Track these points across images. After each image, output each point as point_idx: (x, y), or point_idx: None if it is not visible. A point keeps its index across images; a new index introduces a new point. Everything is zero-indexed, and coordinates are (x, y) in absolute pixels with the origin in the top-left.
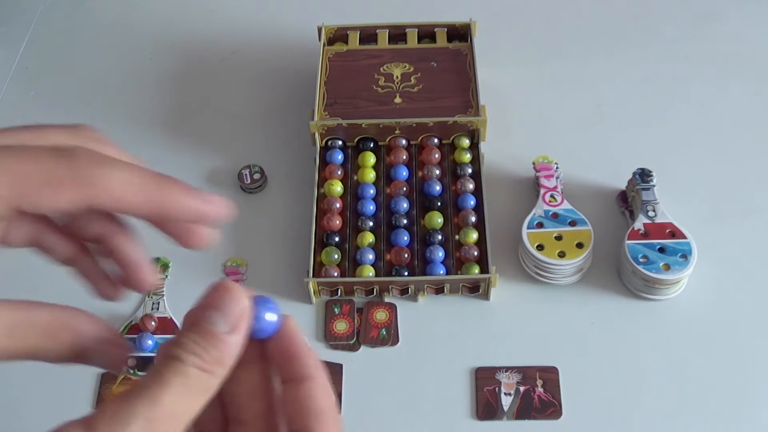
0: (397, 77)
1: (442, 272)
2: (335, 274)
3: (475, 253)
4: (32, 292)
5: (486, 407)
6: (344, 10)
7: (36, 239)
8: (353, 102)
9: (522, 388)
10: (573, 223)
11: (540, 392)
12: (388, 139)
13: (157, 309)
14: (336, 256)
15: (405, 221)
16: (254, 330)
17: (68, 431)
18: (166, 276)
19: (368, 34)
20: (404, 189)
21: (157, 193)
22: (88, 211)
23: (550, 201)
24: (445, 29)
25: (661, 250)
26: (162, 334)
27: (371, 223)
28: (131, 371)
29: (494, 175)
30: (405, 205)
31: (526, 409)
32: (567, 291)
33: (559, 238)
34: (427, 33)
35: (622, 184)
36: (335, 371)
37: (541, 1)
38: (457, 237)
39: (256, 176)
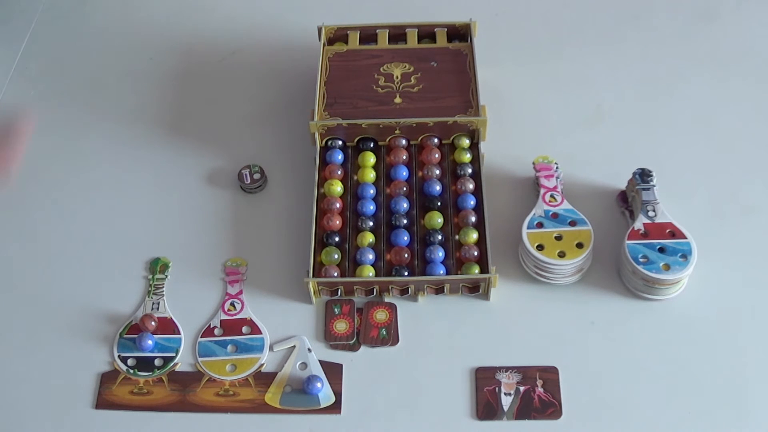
0: (397, 77)
1: (442, 272)
2: (335, 274)
3: (475, 253)
4: (34, 289)
5: (486, 407)
6: (344, 10)
7: None
8: (353, 102)
9: (522, 388)
10: (573, 223)
11: (540, 392)
12: (388, 139)
13: (157, 309)
14: (336, 256)
15: (405, 221)
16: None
17: None
18: (166, 276)
19: (368, 34)
20: (404, 189)
21: None
22: None
23: (550, 201)
24: (445, 29)
25: (661, 250)
26: (162, 334)
27: (371, 223)
28: (131, 371)
29: (494, 175)
30: (405, 205)
31: (526, 409)
32: (567, 291)
33: (559, 238)
34: (427, 33)
35: (622, 184)
36: (335, 371)
37: (541, 2)
38: (457, 237)
39: (256, 176)
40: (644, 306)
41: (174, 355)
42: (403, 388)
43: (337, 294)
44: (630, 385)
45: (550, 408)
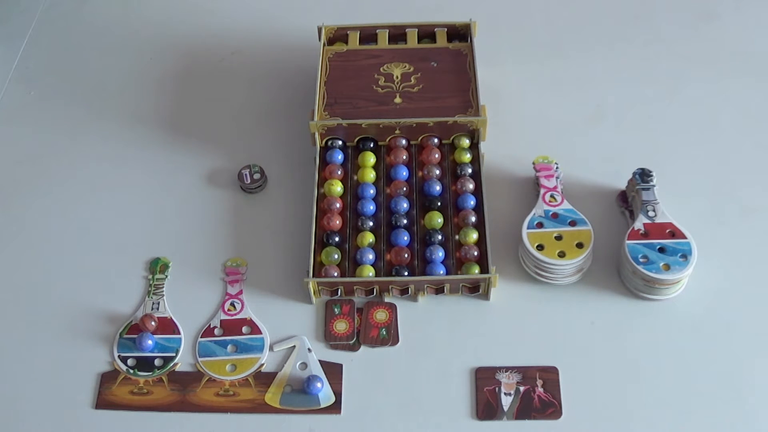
0: (397, 77)
1: (442, 272)
2: (335, 274)
3: (475, 253)
4: (34, 289)
5: (486, 407)
6: (344, 10)
7: None
8: (353, 102)
9: (522, 388)
10: (573, 223)
11: (540, 392)
12: (388, 139)
13: (157, 309)
14: (336, 256)
15: (405, 221)
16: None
17: None
18: (166, 276)
19: (368, 34)
20: (404, 189)
21: None
22: None
23: (550, 201)
24: (445, 29)
25: (661, 250)
26: (162, 334)
27: (371, 223)
28: (131, 371)
29: (494, 175)
30: (405, 205)
31: (526, 409)
32: (567, 291)
33: (559, 238)
34: (427, 33)
35: (622, 184)
36: (335, 371)
37: (541, 2)
38: (457, 237)
39: (256, 176)
40: (644, 306)
41: (174, 355)
42: (403, 388)
43: (337, 294)
44: (630, 385)
45: (550, 408)
